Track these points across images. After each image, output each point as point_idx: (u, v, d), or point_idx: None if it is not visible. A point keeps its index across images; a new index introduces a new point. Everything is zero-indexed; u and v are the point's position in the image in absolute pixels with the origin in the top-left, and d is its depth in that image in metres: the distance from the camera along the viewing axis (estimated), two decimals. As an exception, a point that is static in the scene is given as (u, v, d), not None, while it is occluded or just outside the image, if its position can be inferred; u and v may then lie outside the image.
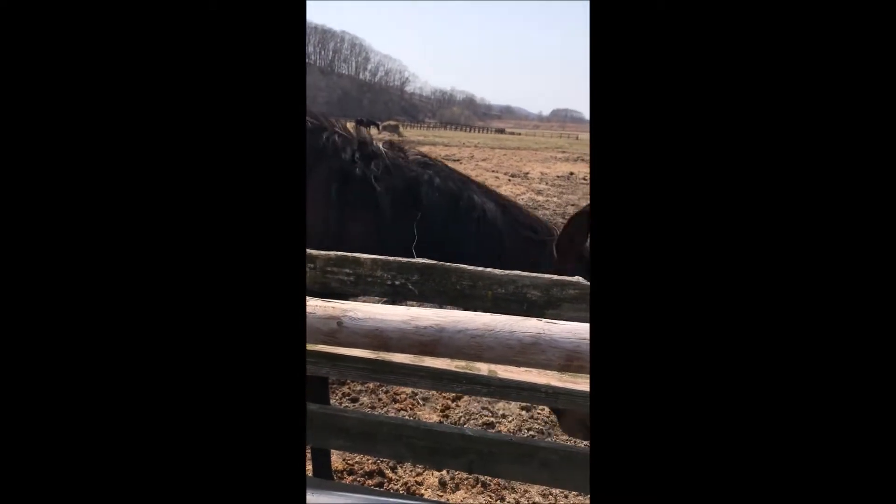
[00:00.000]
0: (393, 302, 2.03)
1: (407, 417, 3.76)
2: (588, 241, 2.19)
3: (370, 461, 3.53)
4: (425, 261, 1.78)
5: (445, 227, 2.39)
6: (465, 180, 2.54)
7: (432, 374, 1.74)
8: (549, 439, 3.87)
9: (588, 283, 1.81)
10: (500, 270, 1.69)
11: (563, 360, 1.50)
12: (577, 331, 1.55)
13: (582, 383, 1.70)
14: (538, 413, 4.18)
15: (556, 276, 1.69)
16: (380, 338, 1.55)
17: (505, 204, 2.48)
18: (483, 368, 1.77)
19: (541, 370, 1.75)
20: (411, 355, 1.68)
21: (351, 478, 3.47)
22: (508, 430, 4.00)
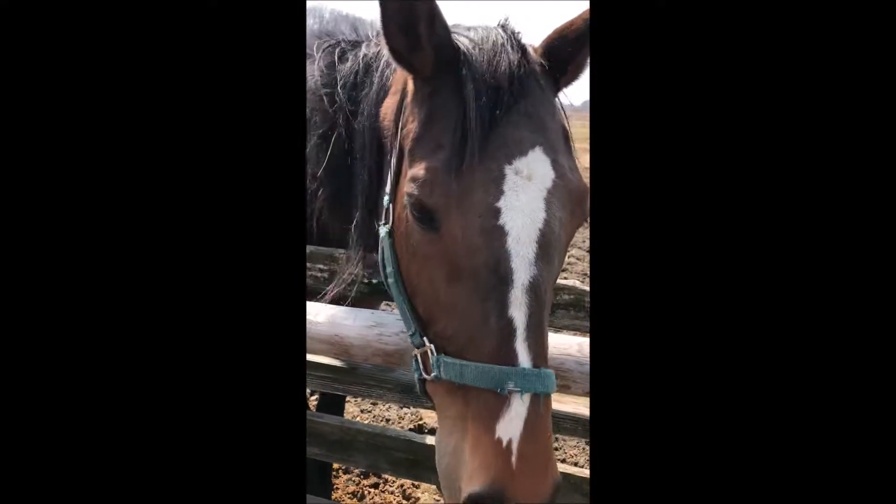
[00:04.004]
0: (369, 304, 1.86)
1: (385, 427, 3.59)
2: None
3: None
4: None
5: None
6: None
7: (402, 386, 1.58)
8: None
9: (584, 288, 1.64)
10: None
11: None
12: (561, 345, 1.37)
13: (566, 403, 1.52)
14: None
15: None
16: (340, 345, 1.40)
17: None
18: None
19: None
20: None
21: (346, 476, 3.36)
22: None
